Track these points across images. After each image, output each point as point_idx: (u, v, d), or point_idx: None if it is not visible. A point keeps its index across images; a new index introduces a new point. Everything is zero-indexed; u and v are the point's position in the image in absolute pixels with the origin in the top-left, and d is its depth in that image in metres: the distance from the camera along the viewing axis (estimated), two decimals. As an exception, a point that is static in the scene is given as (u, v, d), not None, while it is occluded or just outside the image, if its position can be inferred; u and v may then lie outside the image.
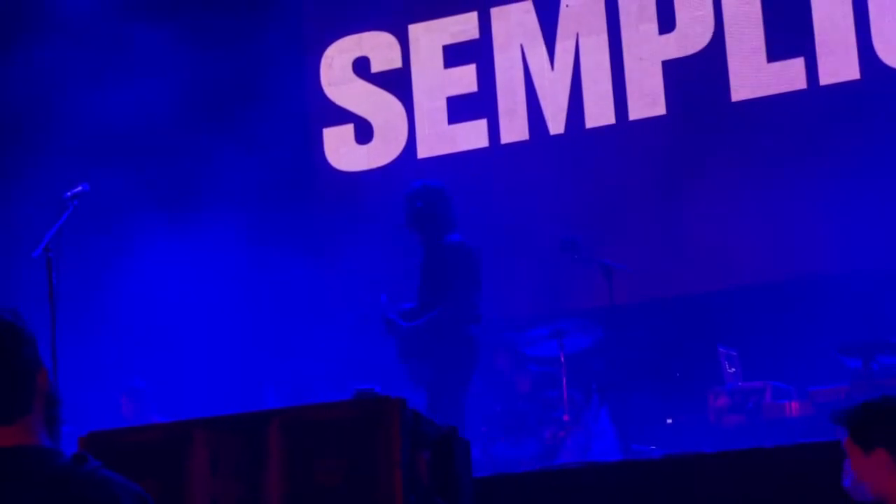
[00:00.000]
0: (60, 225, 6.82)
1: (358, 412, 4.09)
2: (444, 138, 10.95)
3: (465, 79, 10.95)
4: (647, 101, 10.40)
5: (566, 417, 8.85)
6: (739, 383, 8.86)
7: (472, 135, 10.87)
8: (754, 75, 10.13)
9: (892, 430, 3.94)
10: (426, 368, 7.86)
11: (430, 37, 11.12)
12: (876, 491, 3.92)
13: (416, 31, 11.18)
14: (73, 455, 2.53)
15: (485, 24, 10.95)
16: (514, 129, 10.76)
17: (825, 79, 9.95)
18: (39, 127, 10.68)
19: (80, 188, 7.09)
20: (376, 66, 11.25)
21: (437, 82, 11.04)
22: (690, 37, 10.35)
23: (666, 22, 10.42)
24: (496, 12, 10.92)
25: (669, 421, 9.25)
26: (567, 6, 10.69)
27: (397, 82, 11.16)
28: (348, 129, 11.26)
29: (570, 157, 10.52)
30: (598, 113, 10.54)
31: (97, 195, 7.48)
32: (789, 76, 10.04)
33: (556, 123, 10.65)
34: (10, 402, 2.54)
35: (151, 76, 10.57)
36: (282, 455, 4.03)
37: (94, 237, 9.81)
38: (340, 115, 11.28)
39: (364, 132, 11.21)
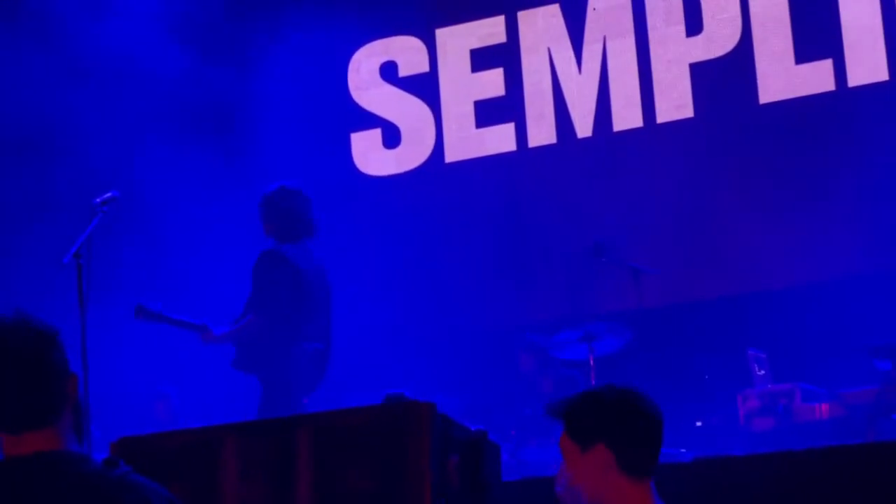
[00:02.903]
0: (90, 231, 6.82)
1: (387, 417, 4.09)
2: (471, 142, 10.95)
3: (492, 83, 10.95)
4: (675, 103, 10.38)
5: (595, 421, 8.82)
6: (769, 386, 8.82)
7: (500, 138, 10.87)
8: (782, 77, 10.10)
9: (614, 422, 3.33)
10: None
11: (457, 41, 11.12)
12: (592, 494, 3.32)
13: (443, 35, 11.18)
14: (104, 460, 2.55)
15: (512, 28, 10.94)
16: (542, 132, 10.75)
17: (854, 80, 9.91)
18: (67, 127, 10.69)
19: (109, 194, 7.08)
20: (404, 71, 11.26)
21: (464, 86, 11.04)
22: (718, 39, 10.32)
23: (693, 24, 10.40)
24: (523, 16, 10.91)
25: (699, 424, 9.22)
26: (594, 9, 10.68)
27: (425, 86, 11.17)
28: (376, 134, 11.28)
29: (598, 161, 10.51)
30: (626, 116, 10.52)
31: (128, 201, 7.51)
32: (817, 78, 10.00)
33: (583, 127, 10.64)
34: (40, 408, 2.56)
35: (178, 83, 10.60)
36: (311, 460, 4.03)
37: (125, 242, 9.84)
38: (368, 120, 11.29)
39: (392, 136, 11.22)
